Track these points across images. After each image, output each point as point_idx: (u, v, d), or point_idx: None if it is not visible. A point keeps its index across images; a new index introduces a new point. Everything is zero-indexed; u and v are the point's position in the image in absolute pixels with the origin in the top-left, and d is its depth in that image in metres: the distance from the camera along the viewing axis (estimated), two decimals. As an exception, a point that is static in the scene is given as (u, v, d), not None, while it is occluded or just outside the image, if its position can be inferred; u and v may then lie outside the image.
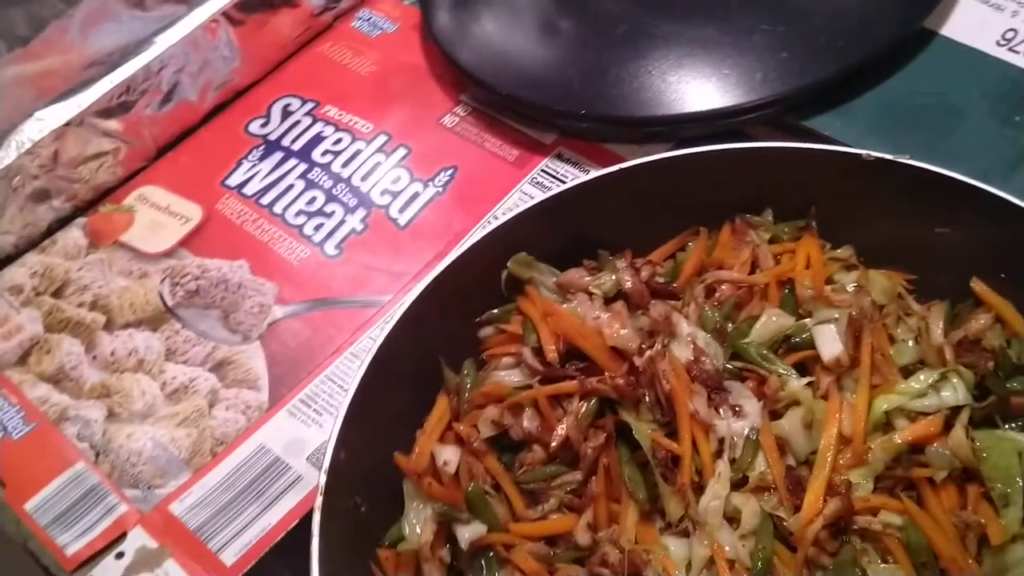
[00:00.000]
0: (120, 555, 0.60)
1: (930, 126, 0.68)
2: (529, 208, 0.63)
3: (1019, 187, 0.63)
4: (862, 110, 0.69)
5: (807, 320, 0.55)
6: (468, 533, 0.53)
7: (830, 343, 0.53)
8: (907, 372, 0.55)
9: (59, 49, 0.74)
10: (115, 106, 0.79)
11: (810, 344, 0.54)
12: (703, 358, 0.55)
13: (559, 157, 0.76)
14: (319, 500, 0.51)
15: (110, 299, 0.74)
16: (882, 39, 0.70)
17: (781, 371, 0.54)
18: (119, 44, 0.76)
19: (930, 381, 0.53)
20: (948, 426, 0.51)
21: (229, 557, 0.59)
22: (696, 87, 0.70)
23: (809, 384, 0.53)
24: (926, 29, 0.72)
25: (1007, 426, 0.53)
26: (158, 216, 0.79)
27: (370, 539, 0.55)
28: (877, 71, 0.71)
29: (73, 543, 0.61)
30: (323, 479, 0.51)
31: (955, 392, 0.53)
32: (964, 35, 0.72)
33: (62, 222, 0.80)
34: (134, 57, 0.77)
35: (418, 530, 0.54)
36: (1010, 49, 0.71)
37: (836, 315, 0.54)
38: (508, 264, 0.62)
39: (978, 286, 0.57)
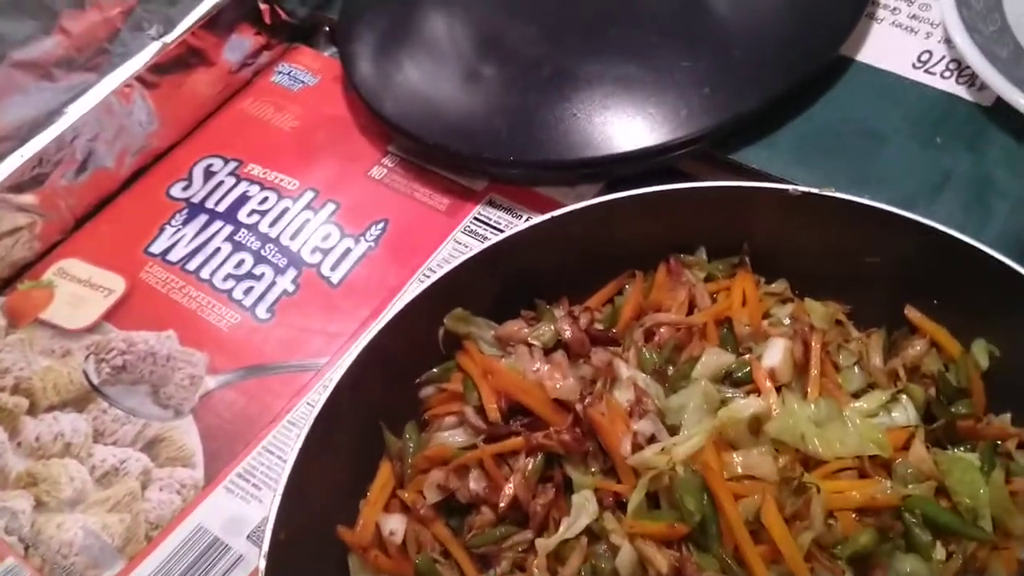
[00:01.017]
0: (53, 658, 0.57)
1: (855, 153, 0.68)
2: (463, 262, 0.61)
3: (946, 209, 0.65)
4: (787, 140, 0.70)
5: (747, 356, 0.54)
6: None
7: (774, 353, 0.53)
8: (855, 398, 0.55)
9: (-35, 126, 0.71)
10: (28, 180, 0.76)
11: (751, 380, 0.54)
12: (644, 398, 0.54)
13: (491, 203, 0.75)
14: (260, 588, 0.48)
15: (32, 381, 0.71)
16: (800, 68, 0.70)
17: (728, 393, 0.53)
18: (29, 117, 0.74)
19: (881, 401, 0.53)
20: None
21: (170, 652, 0.56)
22: (623, 127, 0.70)
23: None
24: (843, 56, 0.73)
25: (956, 450, 0.53)
26: (79, 290, 0.76)
27: (318, 621, 0.53)
28: (799, 100, 0.71)
29: (3, 648, 0.58)
30: (262, 564, 0.49)
31: (906, 412, 0.53)
32: (880, 60, 0.73)
33: (-23, 303, 0.76)
34: (45, 129, 0.74)
35: (366, 608, 0.52)
36: (926, 71, 0.72)
37: (781, 339, 0.54)
38: (444, 321, 0.61)
39: (912, 313, 0.57)
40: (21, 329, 0.75)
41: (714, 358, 0.55)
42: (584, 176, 0.73)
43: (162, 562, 0.60)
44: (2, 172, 0.74)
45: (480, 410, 0.57)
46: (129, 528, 0.62)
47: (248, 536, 0.60)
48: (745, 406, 0.51)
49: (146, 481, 0.64)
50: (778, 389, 0.54)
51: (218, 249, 0.77)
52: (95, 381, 0.70)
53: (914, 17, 0.75)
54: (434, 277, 0.60)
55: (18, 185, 0.75)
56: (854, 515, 0.48)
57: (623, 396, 0.55)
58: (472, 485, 0.55)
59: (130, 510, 0.63)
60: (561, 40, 0.75)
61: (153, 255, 0.77)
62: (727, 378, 0.55)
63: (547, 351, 0.59)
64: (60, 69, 0.74)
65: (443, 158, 0.76)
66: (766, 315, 0.59)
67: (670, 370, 0.56)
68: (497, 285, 0.63)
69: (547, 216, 0.61)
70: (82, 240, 0.80)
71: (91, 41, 0.75)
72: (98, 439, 0.67)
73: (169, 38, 0.79)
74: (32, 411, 0.69)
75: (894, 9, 0.76)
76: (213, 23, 0.83)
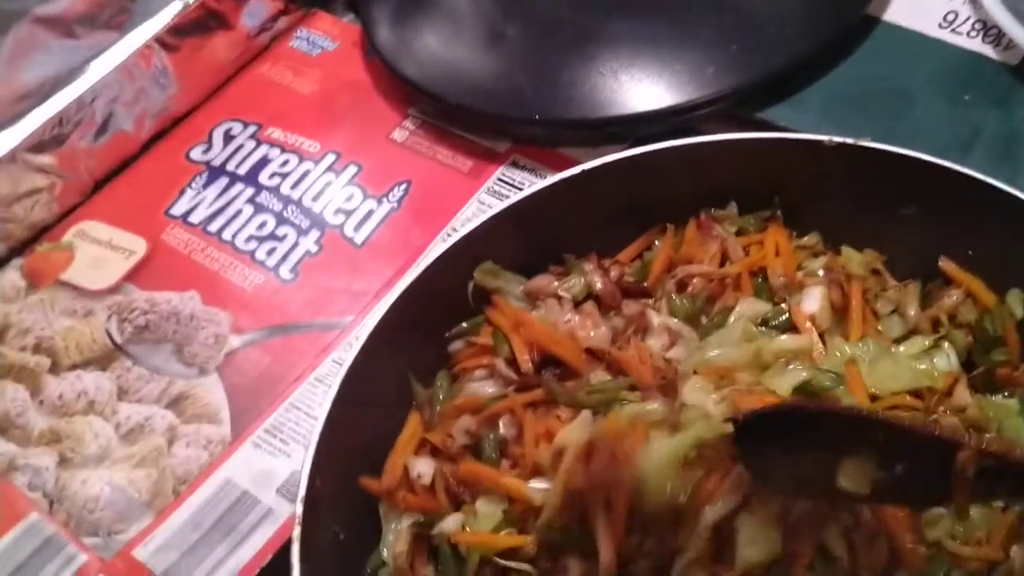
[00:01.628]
0: (83, 608, 0.57)
1: (882, 110, 0.68)
2: (490, 217, 0.61)
3: (976, 165, 0.64)
4: (814, 99, 0.70)
5: (783, 304, 0.54)
6: (452, 522, 0.51)
7: (813, 301, 0.53)
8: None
9: (-13, 83, 0.70)
10: (48, 140, 0.75)
11: (789, 327, 0.54)
12: (679, 340, 0.54)
13: (514, 164, 0.75)
14: (297, 531, 0.48)
15: (54, 341, 0.71)
16: (827, 28, 0.70)
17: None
18: (50, 75, 0.73)
19: (923, 346, 0.53)
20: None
21: (201, 601, 0.56)
22: (648, 85, 0.70)
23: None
24: (869, 16, 0.73)
25: (995, 395, 0.53)
26: (100, 251, 0.76)
27: (352, 568, 0.53)
28: (825, 60, 0.71)
29: (32, 600, 0.57)
30: (300, 508, 0.49)
31: (947, 358, 0.53)
32: (907, 20, 0.73)
33: (-2, 264, 0.76)
34: (66, 87, 0.74)
35: (395, 546, 0.52)
36: (952, 31, 0.72)
37: (818, 287, 0.53)
38: (474, 274, 0.60)
39: (947, 265, 0.57)
40: (42, 290, 0.74)
41: (750, 306, 0.55)
42: (608, 136, 0.72)
43: (191, 515, 0.60)
44: (22, 131, 0.73)
45: (511, 362, 0.57)
46: (156, 483, 0.62)
47: (277, 490, 0.60)
48: (791, 340, 0.51)
49: (172, 437, 0.64)
50: (820, 337, 0.54)
51: (239, 211, 0.76)
52: (118, 340, 0.70)
53: (940, -23, 0.75)
54: (462, 232, 0.60)
55: (38, 145, 0.75)
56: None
57: (657, 342, 0.55)
58: (503, 431, 0.54)
59: (156, 465, 0.63)
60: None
61: (174, 217, 0.77)
62: (764, 325, 0.54)
63: (577, 304, 0.59)
64: (83, 26, 0.74)
65: (466, 119, 0.76)
66: (799, 268, 0.59)
67: (703, 320, 0.56)
68: (524, 242, 0.62)
69: (574, 171, 0.61)
70: (102, 202, 0.80)
71: (113, -1, 0.75)
72: (122, 397, 0.67)
73: (190, -1, 0.79)
74: (54, 370, 0.69)
75: (920, -30, 0.76)
76: (231, -14, 0.83)
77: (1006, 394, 0.52)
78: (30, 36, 0.71)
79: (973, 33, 0.71)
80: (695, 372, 0.50)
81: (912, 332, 0.54)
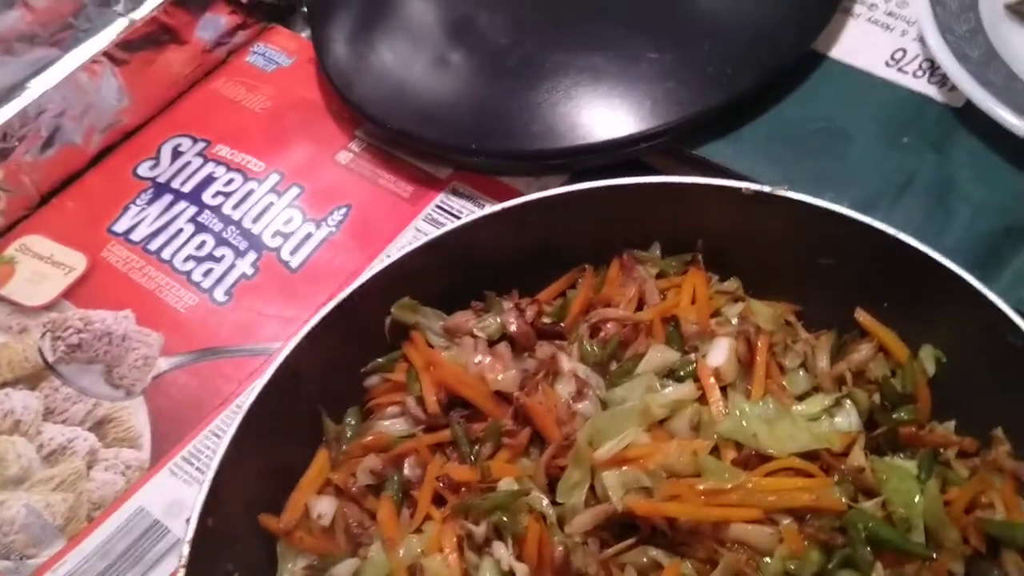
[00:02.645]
0: (-13, 635, 0.57)
1: (820, 151, 0.67)
2: (413, 249, 0.61)
3: (908, 210, 0.64)
4: (753, 136, 0.69)
5: (692, 355, 0.54)
6: (344, 569, 0.51)
7: (719, 353, 0.52)
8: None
9: (-75, 100, 0.71)
10: (-8, 153, 0.76)
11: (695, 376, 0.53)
12: (585, 388, 0.54)
13: (454, 192, 0.74)
14: (180, 574, 0.48)
15: (-13, 357, 0.71)
16: (769, 65, 0.69)
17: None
18: (-11, 90, 0.73)
19: (824, 405, 0.52)
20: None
21: (101, 632, 0.56)
22: (587, 118, 0.69)
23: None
24: (816, 52, 0.72)
25: (897, 455, 0.52)
26: (40, 267, 0.76)
27: (246, 608, 0.53)
28: (767, 95, 0.70)
29: (-62, 624, 0.58)
30: (185, 550, 0.49)
31: (848, 418, 0.52)
32: (853, 57, 0.72)
33: (-61, 276, 0.76)
34: (7, 103, 0.74)
35: (287, 587, 0.52)
36: (899, 70, 0.71)
37: (726, 339, 0.53)
38: (392, 310, 0.60)
39: (862, 316, 0.56)
40: (-21, 305, 0.75)
41: (658, 355, 0.54)
42: (548, 167, 0.72)
43: (101, 543, 0.60)
44: (-36, 146, 0.74)
45: (421, 401, 0.57)
46: (72, 508, 0.62)
47: (188, 520, 0.60)
48: (675, 391, 0.50)
49: (92, 461, 0.64)
50: (723, 390, 0.53)
51: (180, 230, 0.76)
52: (49, 359, 0.70)
53: (891, 14, 0.74)
54: (383, 264, 0.60)
55: (-19, 159, 0.75)
56: (796, 527, 0.47)
57: (565, 389, 0.54)
58: (407, 472, 0.54)
59: (74, 489, 0.63)
60: (529, 29, 0.74)
61: (116, 234, 0.77)
62: (671, 375, 0.54)
63: (493, 343, 0.58)
64: (23, 43, 0.74)
65: (408, 144, 0.75)
66: (716, 313, 0.58)
67: (613, 365, 0.56)
68: (450, 274, 0.62)
69: (500, 207, 0.61)
70: (47, 216, 0.80)
71: (55, 16, 0.75)
72: (48, 417, 0.67)
73: (137, 15, 0.79)
74: (-15, 387, 0.69)
75: (871, 5, 0.75)
76: (185, 0, 0.82)
77: (906, 455, 0.51)
78: (-34, 54, 0.71)
79: (919, 73, 0.70)
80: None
81: (816, 389, 0.53)
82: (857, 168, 0.66)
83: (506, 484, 0.51)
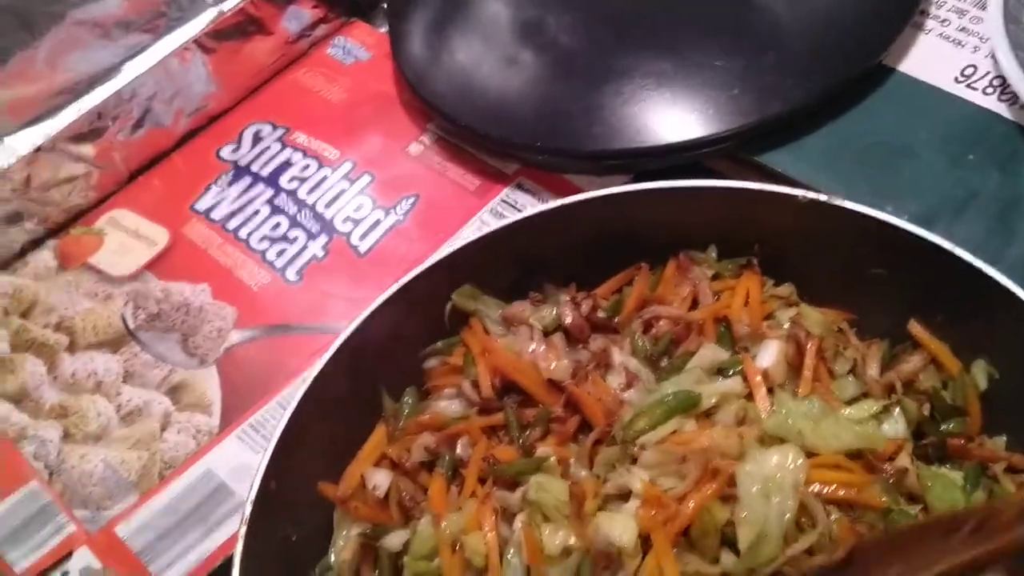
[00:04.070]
0: (65, 574, 0.61)
1: (882, 164, 0.68)
2: (479, 238, 0.63)
3: (968, 227, 0.64)
4: (815, 146, 0.69)
5: (743, 355, 0.55)
6: (395, 539, 0.54)
7: (768, 355, 0.54)
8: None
9: (27, 78, 0.75)
10: (87, 132, 0.80)
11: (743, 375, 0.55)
12: (635, 382, 0.56)
13: (519, 187, 0.77)
14: (242, 530, 0.51)
15: (75, 321, 0.76)
16: (835, 77, 0.70)
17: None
18: (87, 73, 0.78)
19: (872, 411, 0.53)
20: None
21: (169, 581, 0.60)
22: (650, 121, 0.71)
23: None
24: (884, 65, 0.72)
25: (943, 467, 0.53)
26: (126, 239, 0.81)
27: (301, 570, 0.56)
28: (834, 106, 0.71)
29: (22, 560, 0.62)
30: (248, 509, 0.52)
31: (896, 424, 0.53)
32: (922, 71, 0.72)
33: (34, 243, 0.81)
34: (103, 84, 0.79)
35: (342, 553, 0.54)
36: (968, 86, 0.71)
37: (775, 341, 0.54)
38: (452, 296, 0.63)
39: (915, 328, 0.57)
40: (70, 271, 0.79)
41: (708, 353, 0.56)
42: (610, 167, 0.73)
43: (172, 500, 0.64)
44: (61, 123, 0.79)
45: (476, 384, 0.59)
46: (145, 465, 0.66)
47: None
48: (723, 384, 0.52)
49: (166, 423, 0.68)
50: (769, 391, 0.54)
51: (257, 211, 0.80)
52: (131, 326, 0.75)
53: (963, 30, 0.74)
54: (445, 251, 0.62)
55: (77, 136, 0.80)
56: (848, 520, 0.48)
57: (615, 380, 0.56)
58: (459, 451, 0.57)
59: (148, 448, 0.67)
60: (598, 32, 0.76)
61: (198, 212, 0.81)
62: (719, 373, 0.55)
63: (548, 333, 0.61)
64: (119, 29, 0.78)
65: (476, 139, 0.78)
66: (769, 317, 0.59)
67: (664, 361, 0.57)
68: (510, 265, 0.64)
69: (561, 202, 0.63)
70: (134, 192, 0.84)
71: (150, 5, 0.79)
72: (127, 380, 0.71)
73: (226, 6, 0.83)
74: (71, 348, 0.74)
75: (944, 20, 0.75)
76: (272, -7, 0.86)
77: (953, 466, 0.52)
78: (69, 37, 0.76)
79: (990, 90, 0.70)
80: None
81: (865, 395, 0.54)
82: (918, 183, 0.66)
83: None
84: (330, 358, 0.58)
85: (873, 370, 0.56)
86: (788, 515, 0.47)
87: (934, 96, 0.71)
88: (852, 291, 0.59)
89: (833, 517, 0.48)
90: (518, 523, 0.52)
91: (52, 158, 0.79)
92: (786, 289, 0.61)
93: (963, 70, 0.72)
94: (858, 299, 0.59)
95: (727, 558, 0.47)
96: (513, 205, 0.76)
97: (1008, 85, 0.69)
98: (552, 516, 0.51)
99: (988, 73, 0.71)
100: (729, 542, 0.48)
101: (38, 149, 0.78)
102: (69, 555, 0.62)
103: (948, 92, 0.71)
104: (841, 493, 0.49)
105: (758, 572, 0.46)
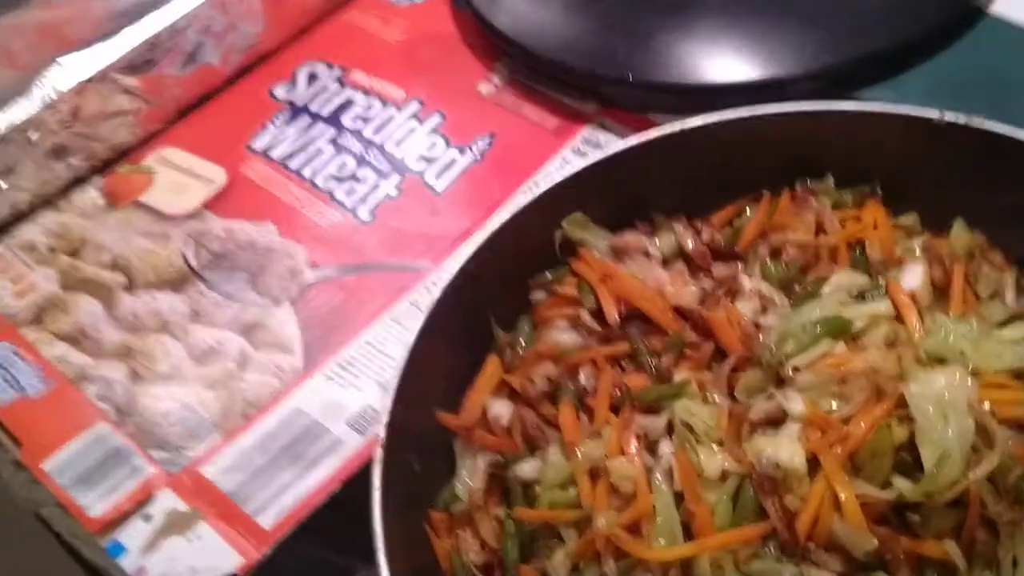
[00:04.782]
0: (148, 517, 0.57)
1: (986, 99, 0.66)
2: (580, 170, 0.61)
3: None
4: (912, 85, 0.68)
5: (888, 277, 0.53)
6: (528, 468, 0.51)
7: (914, 276, 0.52)
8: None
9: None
10: (139, 63, 0.76)
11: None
12: (770, 307, 0.53)
13: (601, 127, 0.74)
14: (379, 453, 0.48)
15: (130, 260, 0.71)
16: (934, 13, 0.68)
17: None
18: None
19: None
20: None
21: (267, 520, 0.56)
22: (743, 55, 0.69)
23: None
24: (976, 6, 0.71)
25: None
26: (179, 178, 0.76)
27: (423, 502, 0.52)
28: (927, 47, 0.69)
29: (97, 504, 0.57)
30: (383, 432, 0.49)
31: None
32: (1015, 13, 0.71)
33: (78, 181, 0.76)
34: (155, 11, 0.74)
35: (470, 482, 0.51)
36: (1061, 26, 0.70)
37: (919, 263, 0.52)
38: (563, 223, 0.60)
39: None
40: (120, 210, 0.75)
41: (846, 278, 0.54)
42: (697, 104, 0.71)
43: (260, 438, 0.60)
44: (116, 51, 0.74)
45: (596, 313, 0.57)
46: (226, 405, 0.62)
47: (347, 422, 0.60)
48: (872, 306, 0.50)
49: (243, 362, 0.64)
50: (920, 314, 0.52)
51: (320, 151, 0.76)
52: (194, 264, 0.70)
53: (1052, -27, 0.73)
54: (550, 181, 0.60)
55: (128, 67, 0.75)
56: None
57: (747, 307, 0.54)
58: (582, 381, 0.54)
59: (227, 388, 0.63)
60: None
61: (255, 151, 0.77)
62: (859, 299, 0.53)
63: (666, 262, 0.58)
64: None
65: (554, 76, 0.75)
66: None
67: (796, 289, 0.55)
68: (610, 198, 0.62)
69: (666, 130, 0.61)
70: (184, 131, 0.80)
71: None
72: (195, 319, 0.67)
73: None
74: (129, 288, 0.69)
75: (1031, -36, 0.74)
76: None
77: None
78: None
79: (1084, 32, 0.70)
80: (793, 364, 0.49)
81: (1015, 318, 0.53)
82: (1025, 120, 0.65)
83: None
84: (444, 290, 0.55)
85: (1010, 295, 0.54)
86: (969, 434, 0.44)
87: (1029, 36, 0.70)
88: (979, 221, 0.58)
89: (1006, 435, 0.46)
90: (664, 448, 0.49)
91: (101, 89, 0.74)
92: (910, 218, 0.59)
93: (1054, 11, 0.71)
94: (986, 229, 0.57)
95: (901, 483, 0.45)
96: (595, 144, 0.73)
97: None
98: (703, 440, 0.49)
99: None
100: (900, 467, 0.46)
101: (89, 80, 0.73)
102: (149, 498, 0.58)
103: (1043, 32, 0.70)
104: (1011, 413, 0.47)
105: (936, 496, 0.44)
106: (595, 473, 0.50)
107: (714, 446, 0.49)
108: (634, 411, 0.51)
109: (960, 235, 0.55)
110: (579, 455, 0.50)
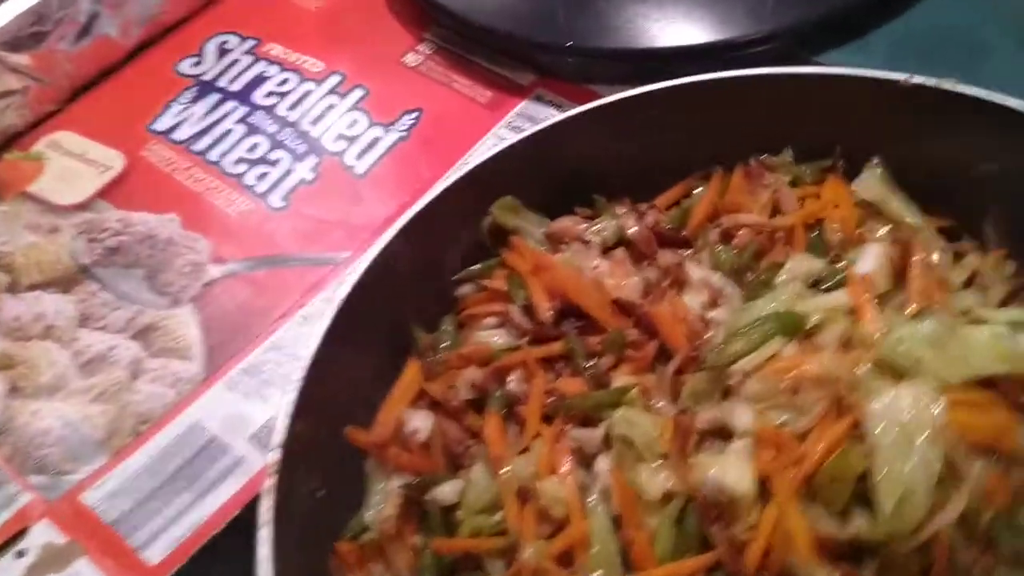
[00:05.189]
0: (21, 553, 0.50)
1: (957, 61, 0.60)
2: (509, 146, 0.54)
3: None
4: (880, 43, 0.62)
5: (845, 263, 0.47)
6: (449, 490, 0.45)
7: (869, 259, 0.45)
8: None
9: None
10: (25, 38, 0.68)
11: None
12: (720, 300, 0.47)
13: (539, 99, 0.67)
14: (269, 482, 0.41)
15: (14, 257, 0.64)
16: (900, -33, 0.62)
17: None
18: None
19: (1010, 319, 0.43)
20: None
21: (154, 555, 0.49)
22: (696, 17, 0.63)
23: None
24: (945, -40, 0.65)
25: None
26: (72, 164, 0.69)
27: (329, 532, 0.46)
28: (894, 4, 0.63)
29: (-38, 541, 0.50)
30: (274, 456, 0.42)
31: None
32: (986, -32, 0.65)
33: (-43, 170, 0.69)
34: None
35: (382, 508, 0.45)
36: (1038, -19, 0.64)
37: (877, 244, 0.46)
38: (492, 209, 0.53)
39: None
40: (6, 202, 0.67)
41: (802, 263, 0.48)
42: (646, 73, 0.64)
43: (151, 459, 0.53)
44: (-5, 23, 0.66)
45: (527, 310, 0.50)
46: (113, 420, 0.55)
47: (251, 437, 0.53)
48: (828, 299, 0.44)
49: (136, 371, 0.57)
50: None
51: (229, 131, 0.69)
52: (86, 261, 0.63)
53: (1024, -76, 0.67)
54: (477, 161, 0.53)
55: (14, 42, 0.68)
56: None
57: (695, 300, 0.48)
58: (512, 387, 0.47)
59: (116, 401, 0.56)
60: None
61: (157, 132, 0.70)
62: (816, 287, 0.47)
63: (606, 250, 0.52)
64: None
65: (489, 45, 0.68)
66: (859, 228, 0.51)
67: (749, 276, 0.49)
68: (546, 179, 0.55)
69: (607, 100, 0.54)
70: (79, 112, 0.72)
71: None
72: (85, 323, 0.60)
73: None
74: (12, 288, 0.62)
75: (1002, -85, 0.68)
76: None
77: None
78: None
79: (1060, -16, 0.64)
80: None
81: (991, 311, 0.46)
82: (1000, 80, 0.59)
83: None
84: (354, 286, 0.48)
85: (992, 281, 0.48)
86: (934, 469, 0.38)
87: (1002, -9, 0.64)
88: (951, 193, 0.51)
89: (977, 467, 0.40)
90: (601, 465, 0.43)
91: (-20, 66, 0.66)
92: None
93: (1029, -36, 0.65)
94: (959, 202, 0.51)
95: (859, 521, 0.39)
96: (532, 119, 0.66)
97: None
98: (644, 456, 0.42)
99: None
100: (861, 496, 0.40)
101: (-36, 55, 0.65)
102: (24, 531, 0.51)
103: (1016, -13, 0.64)
104: (982, 436, 0.40)
105: (898, 541, 0.38)
106: (524, 495, 0.44)
107: (658, 462, 0.42)
108: (568, 422, 0.45)
109: (870, 184, 0.49)
110: (506, 474, 0.44)
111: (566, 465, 0.43)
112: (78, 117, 0.72)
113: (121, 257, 0.63)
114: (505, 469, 0.44)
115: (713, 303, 0.48)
